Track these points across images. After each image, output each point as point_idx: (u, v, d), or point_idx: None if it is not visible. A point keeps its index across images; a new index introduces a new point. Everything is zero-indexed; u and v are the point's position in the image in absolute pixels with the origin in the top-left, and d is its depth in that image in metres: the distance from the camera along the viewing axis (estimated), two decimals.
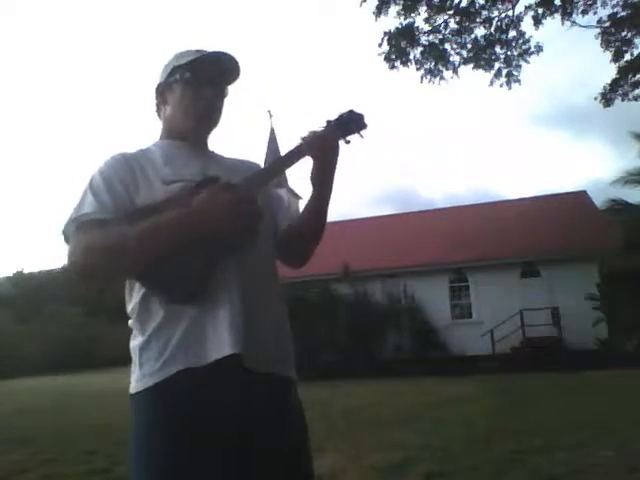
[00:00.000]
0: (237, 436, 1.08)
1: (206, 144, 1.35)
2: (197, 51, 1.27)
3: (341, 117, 1.18)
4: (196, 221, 1.06)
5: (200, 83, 1.25)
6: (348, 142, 1.19)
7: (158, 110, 1.35)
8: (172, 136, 1.30)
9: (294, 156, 1.20)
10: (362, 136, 1.19)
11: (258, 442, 1.11)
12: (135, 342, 1.15)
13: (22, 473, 4.64)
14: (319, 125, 1.19)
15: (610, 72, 12.59)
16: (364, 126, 1.18)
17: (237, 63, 1.28)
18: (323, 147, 1.18)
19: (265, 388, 1.14)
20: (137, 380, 1.12)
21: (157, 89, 1.33)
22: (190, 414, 1.06)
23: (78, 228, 1.12)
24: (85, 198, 1.15)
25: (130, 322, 1.18)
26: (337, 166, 1.22)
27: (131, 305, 1.17)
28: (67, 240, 1.14)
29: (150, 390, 1.09)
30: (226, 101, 1.34)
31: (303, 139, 1.18)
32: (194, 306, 1.09)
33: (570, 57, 64.64)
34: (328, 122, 1.18)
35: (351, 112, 1.18)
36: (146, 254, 1.07)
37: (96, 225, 1.10)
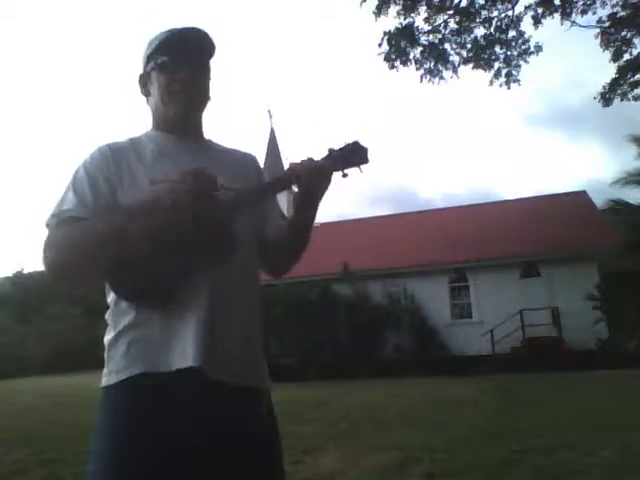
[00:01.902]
0: (190, 448, 1.05)
1: (198, 132, 1.30)
2: (166, 32, 1.22)
3: (344, 149, 1.14)
4: (150, 208, 1.04)
5: (175, 65, 1.21)
6: (345, 175, 1.15)
7: (147, 102, 1.31)
8: (160, 127, 1.26)
9: (279, 185, 1.18)
10: (362, 171, 1.15)
11: (213, 458, 1.07)
12: (107, 337, 1.15)
13: (22, 473, 4.64)
14: (322, 152, 1.16)
15: (605, 72, 12.61)
16: (366, 161, 1.14)
17: (207, 35, 1.24)
18: (313, 179, 1.13)
19: (227, 400, 1.11)
20: (104, 375, 1.13)
21: (139, 82, 1.29)
22: (143, 418, 1.06)
23: (57, 224, 1.11)
24: (67, 194, 1.14)
25: (106, 315, 1.17)
26: (323, 195, 1.18)
27: (109, 298, 1.17)
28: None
29: (111, 388, 1.10)
30: (211, 77, 1.29)
31: (292, 168, 1.14)
32: (163, 311, 1.09)
33: (565, 57, 64.68)
34: (330, 151, 1.15)
35: (355, 144, 1.14)
36: (110, 248, 1.05)
37: (72, 222, 1.10)
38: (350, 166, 1.14)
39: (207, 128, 1.33)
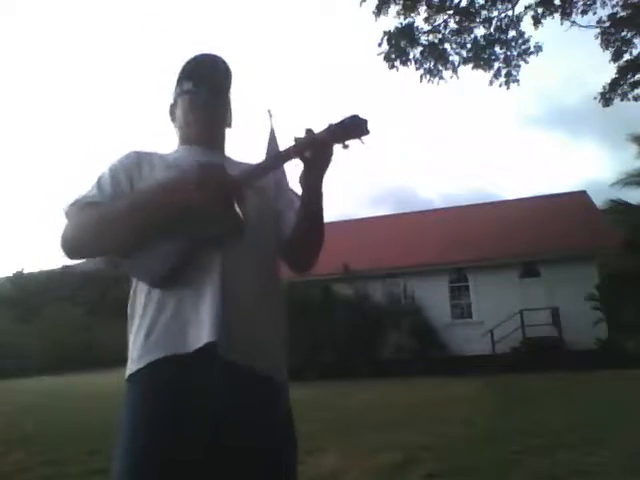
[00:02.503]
0: (212, 426, 1.06)
1: (221, 149, 1.39)
2: (188, 61, 1.34)
3: (343, 121, 1.15)
4: (164, 190, 1.11)
5: (195, 89, 1.32)
6: (346, 147, 1.16)
7: (174, 127, 1.42)
8: (185, 143, 1.36)
9: (283, 157, 1.20)
10: (363, 142, 1.16)
11: (229, 437, 1.08)
12: (128, 329, 1.20)
13: (23, 473, 4.64)
14: (321, 127, 1.17)
15: (603, 72, 12.63)
16: (366, 132, 1.14)
17: (222, 61, 1.35)
18: (315, 151, 1.16)
19: (245, 381, 1.11)
20: (127, 367, 1.16)
21: (169, 111, 1.42)
22: (166, 401, 1.07)
23: (76, 209, 1.20)
24: (90, 187, 1.24)
25: (128, 308, 1.22)
26: (327, 170, 1.20)
27: (131, 291, 1.23)
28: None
29: (133, 376, 1.12)
30: (231, 104, 1.41)
31: (296, 140, 1.16)
32: (175, 293, 1.12)
33: (563, 58, 64.64)
34: (329, 125, 1.16)
35: (354, 117, 1.14)
36: (123, 226, 1.13)
37: (90, 207, 1.19)
38: (351, 138, 1.15)
39: (231, 147, 1.43)
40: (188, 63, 1.34)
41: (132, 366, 1.13)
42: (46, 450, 5.59)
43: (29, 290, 30.23)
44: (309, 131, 1.16)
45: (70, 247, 1.18)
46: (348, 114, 1.15)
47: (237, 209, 1.12)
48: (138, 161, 1.26)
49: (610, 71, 12.58)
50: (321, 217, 1.27)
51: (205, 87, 1.32)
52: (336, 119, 1.16)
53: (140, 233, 1.12)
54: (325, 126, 1.16)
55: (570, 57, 60.91)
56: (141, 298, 1.17)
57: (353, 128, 1.14)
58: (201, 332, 1.07)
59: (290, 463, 1.19)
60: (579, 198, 17.95)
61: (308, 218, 1.26)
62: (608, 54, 12.47)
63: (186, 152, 1.32)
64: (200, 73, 1.32)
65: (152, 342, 1.11)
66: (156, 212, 1.11)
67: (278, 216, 1.32)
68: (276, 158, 1.23)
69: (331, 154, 1.18)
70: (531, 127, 79.88)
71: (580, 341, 13.55)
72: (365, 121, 1.14)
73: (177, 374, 1.08)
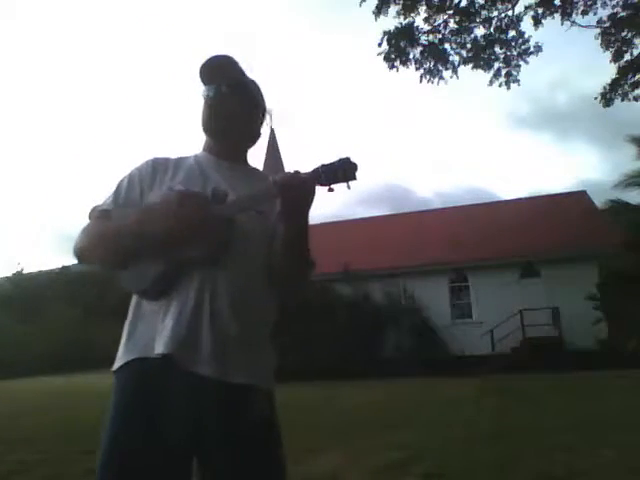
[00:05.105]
0: (173, 429, 1.14)
1: (239, 156, 1.41)
2: (202, 66, 1.35)
3: (333, 164, 1.14)
4: (145, 219, 1.17)
5: (208, 94, 1.35)
6: (331, 190, 1.15)
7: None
8: (205, 149, 1.41)
9: (262, 198, 1.22)
10: (349, 187, 1.15)
11: (198, 440, 1.16)
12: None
13: (22, 473, 4.63)
14: (313, 166, 1.17)
15: (594, 75, 12.64)
16: (353, 178, 1.14)
17: (229, 58, 1.35)
18: (297, 192, 1.15)
19: (205, 392, 1.16)
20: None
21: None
22: (134, 400, 1.18)
23: (93, 216, 1.31)
24: (110, 193, 1.32)
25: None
26: (308, 208, 1.19)
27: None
28: None
29: (115, 372, 1.24)
30: (262, 112, 1.42)
31: (275, 182, 1.15)
32: (156, 304, 1.21)
33: (560, 57, 64.60)
34: (318, 167, 1.15)
35: (345, 161, 1.13)
36: (112, 246, 1.22)
37: (103, 215, 1.28)
38: (337, 182, 1.14)
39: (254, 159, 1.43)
40: (201, 68, 1.34)
41: (116, 363, 1.24)
42: (46, 450, 5.58)
43: (29, 290, 30.20)
44: (296, 172, 1.16)
45: (77, 254, 1.29)
46: (342, 156, 1.14)
47: (215, 239, 1.18)
48: (153, 169, 1.33)
49: (605, 71, 12.59)
50: (302, 244, 1.26)
51: (215, 90, 1.33)
52: (328, 159, 1.16)
53: (125, 253, 1.22)
54: (315, 166, 1.15)
55: (569, 57, 60.86)
56: (132, 304, 1.28)
57: (341, 172, 1.13)
58: (160, 343, 1.16)
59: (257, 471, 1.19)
60: (579, 198, 17.96)
61: (288, 246, 1.24)
62: (609, 54, 12.47)
63: (203, 162, 1.35)
64: (210, 76, 1.34)
65: (131, 344, 1.22)
66: (137, 240, 1.18)
67: (273, 238, 1.30)
68: (255, 198, 1.23)
69: (312, 194, 1.18)
70: (521, 128, 79.83)
71: (580, 341, 13.55)
72: (355, 166, 1.13)
73: (145, 374, 1.18)
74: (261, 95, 1.42)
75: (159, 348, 1.15)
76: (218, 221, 1.18)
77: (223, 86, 1.33)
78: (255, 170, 1.44)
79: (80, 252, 1.28)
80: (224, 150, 1.37)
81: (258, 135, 1.45)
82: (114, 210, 1.27)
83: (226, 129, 1.35)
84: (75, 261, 1.32)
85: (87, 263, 1.33)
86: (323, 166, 1.14)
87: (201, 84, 1.36)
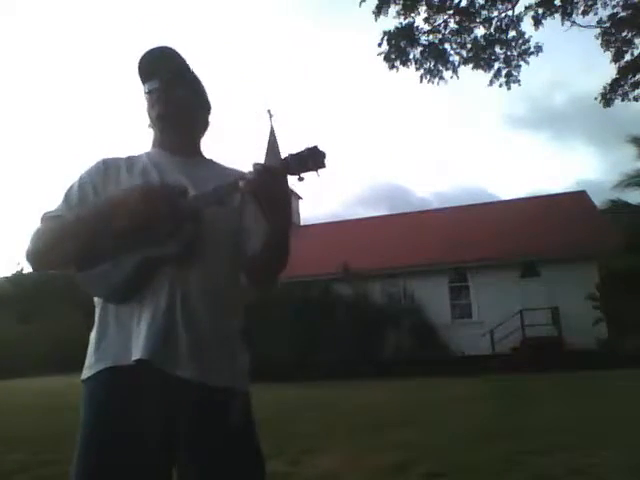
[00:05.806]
0: (156, 436, 1.12)
1: (192, 150, 1.36)
2: (138, 62, 1.32)
3: (300, 153, 1.13)
4: (107, 214, 1.13)
5: (155, 89, 1.30)
6: (301, 179, 1.13)
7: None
8: (155, 145, 1.36)
9: (230, 191, 1.18)
10: (319, 175, 1.13)
11: (166, 453, 1.14)
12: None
13: (22, 473, 4.63)
14: (280, 158, 1.15)
15: (594, 75, 12.65)
16: (322, 166, 1.12)
17: (169, 49, 1.31)
18: (260, 182, 1.12)
19: (185, 396, 1.14)
20: (83, 370, 1.22)
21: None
22: (109, 409, 1.14)
23: (41, 223, 1.24)
24: (60, 201, 1.27)
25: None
26: (283, 202, 1.17)
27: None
28: None
29: (85, 382, 1.19)
30: (206, 97, 1.39)
31: (241, 178, 1.14)
32: (125, 307, 1.17)
33: (558, 57, 64.58)
34: (286, 156, 1.14)
35: (313, 149, 1.12)
36: (69, 238, 1.16)
37: (52, 220, 1.22)
38: (306, 170, 1.12)
39: (210, 148, 1.41)
40: (140, 63, 1.31)
41: (84, 372, 1.20)
42: (46, 450, 5.58)
43: (29, 290, 30.18)
44: (262, 164, 1.14)
45: (30, 259, 1.22)
46: (309, 144, 1.13)
47: (184, 236, 1.15)
48: (105, 172, 1.27)
49: (603, 72, 12.61)
50: (284, 244, 1.24)
51: (159, 80, 1.29)
52: (296, 149, 1.14)
53: (85, 245, 1.15)
54: (286, 155, 1.14)
55: (566, 57, 60.85)
56: (98, 309, 1.23)
57: (310, 160, 1.12)
58: (137, 347, 1.12)
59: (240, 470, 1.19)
60: (579, 198, 17.97)
61: (272, 245, 1.23)
62: (609, 54, 12.48)
63: (156, 160, 1.30)
64: (151, 69, 1.30)
65: (100, 353, 1.17)
66: (99, 223, 1.13)
67: (243, 232, 1.29)
68: (219, 191, 1.19)
69: (282, 184, 1.15)
70: (521, 128, 79.74)
71: (580, 341, 13.55)
72: (323, 154, 1.12)
73: (117, 382, 1.14)
74: (203, 85, 1.40)
75: (136, 354, 1.11)
76: (185, 216, 1.15)
77: (168, 74, 1.30)
78: (211, 162, 1.39)
79: (34, 256, 1.21)
80: (176, 142, 1.32)
81: (207, 124, 1.41)
82: (68, 214, 1.21)
83: (177, 115, 1.30)
84: (33, 269, 1.25)
85: (43, 268, 1.27)
86: (291, 155, 1.13)
87: (141, 82, 1.33)
